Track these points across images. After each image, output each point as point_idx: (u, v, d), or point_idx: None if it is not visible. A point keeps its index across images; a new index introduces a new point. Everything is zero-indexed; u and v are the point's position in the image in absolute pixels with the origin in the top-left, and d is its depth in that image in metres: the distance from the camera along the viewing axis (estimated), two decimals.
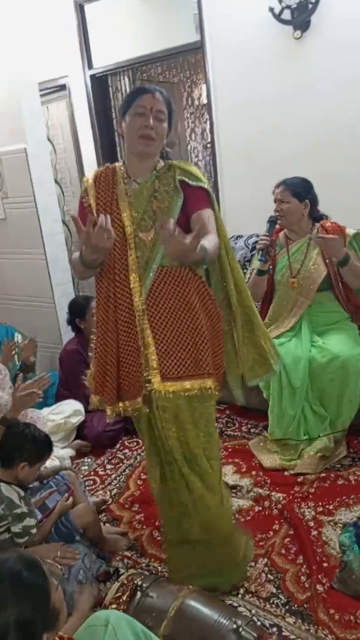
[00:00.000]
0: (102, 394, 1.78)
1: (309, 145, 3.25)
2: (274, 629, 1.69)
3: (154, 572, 1.95)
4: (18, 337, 3.31)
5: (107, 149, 4.31)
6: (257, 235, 3.45)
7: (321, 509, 2.22)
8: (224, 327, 1.84)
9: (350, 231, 2.66)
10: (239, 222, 3.70)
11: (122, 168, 1.79)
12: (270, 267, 2.74)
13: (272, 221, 2.68)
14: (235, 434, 2.90)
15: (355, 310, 2.75)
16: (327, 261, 2.62)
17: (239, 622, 1.44)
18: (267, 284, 2.77)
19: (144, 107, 1.66)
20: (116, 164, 1.83)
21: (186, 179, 1.72)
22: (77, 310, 3.21)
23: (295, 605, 1.79)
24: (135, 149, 1.72)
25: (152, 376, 1.69)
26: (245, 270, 3.45)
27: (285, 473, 2.51)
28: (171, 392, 1.69)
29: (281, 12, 3.06)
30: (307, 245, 2.67)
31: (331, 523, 2.13)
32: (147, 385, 1.70)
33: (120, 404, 1.75)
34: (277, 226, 2.73)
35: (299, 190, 2.63)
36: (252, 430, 2.91)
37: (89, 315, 3.12)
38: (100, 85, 4.22)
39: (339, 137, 3.15)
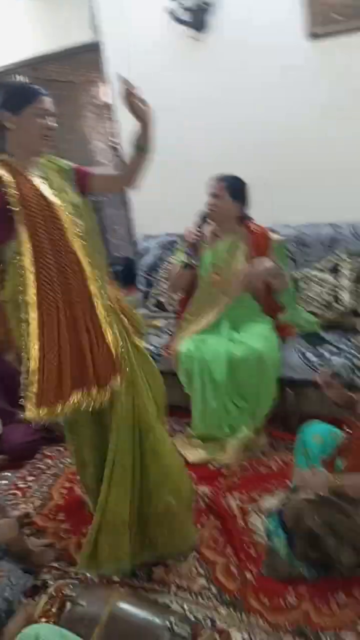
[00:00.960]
0: (56, 396, 1.69)
1: (217, 146, 3.31)
2: (208, 622, 1.69)
3: (82, 579, 1.90)
4: None
5: None
6: (171, 235, 3.48)
7: (246, 497, 2.27)
8: None
9: (272, 236, 2.74)
10: (149, 222, 3.71)
11: (15, 161, 1.75)
12: (196, 262, 2.75)
13: (203, 216, 2.69)
14: None
15: (270, 306, 2.83)
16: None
17: (172, 619, 1.43)
18: (191, 279, 2.78)
19: (45, 110, 1.74)
20: (4, 158, 1.76)
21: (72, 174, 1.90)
22: None
23: (227, 596, 1.81)
24: (35, 147, 1.77)
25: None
26: (157, 270, 3.47)
27: (210, 466, 2.54)
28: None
29: (178, 12, 3.09)
30: (231, 244, 2.71)
31: (256, 511, 2.18)
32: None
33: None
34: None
35: (236, 188, 2.66)
36: (175, 426, 2.91)
37: None
38: None
39: (247, 136, 3.24)
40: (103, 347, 1.73)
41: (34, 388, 1.65)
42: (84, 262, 1.73)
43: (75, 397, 1.69)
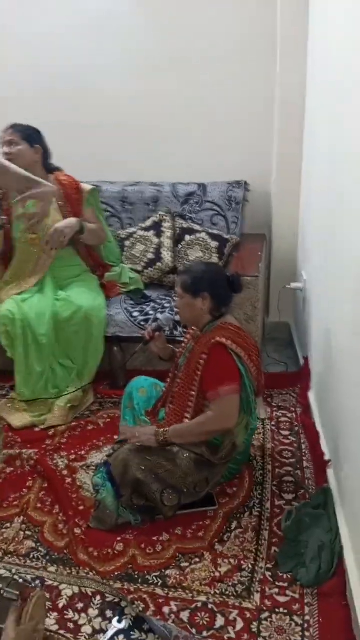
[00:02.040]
0: None
1: (34, 90, 3.13)
2: (37, 582, 1.68)
3: None
4: None
5: None
6: None
7: (74, 456, 2.27)
8: None
9: (86, 187, 2.68)
10: None
11: None
12: (6, 222, 2.59)
13: None
14: None
15: (95, 264, 2.81)
16: (65, 217, 2.59)
17: (0, 586, 1.38)
18: (5, 240, 2.61)
19: None
20: None
21: None
22: None
23: (56, 554, 1.80)
24: None
25: None
26: None
27: (36, 429, 2.49)
28: None
29: None
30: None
31: (84, 467, 2.20)
32: None
33: None
34: None
35: (30, 134, 2.53)
36: None
37: None
38: None
39: (66, 85, 3.11)
40: None
41: None
42: None
43: None
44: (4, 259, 2.74)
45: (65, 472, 2.16)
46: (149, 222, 3.02)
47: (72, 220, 2.55)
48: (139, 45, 3.03)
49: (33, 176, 2.19)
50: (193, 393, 1.94)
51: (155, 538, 1.84)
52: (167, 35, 2.99)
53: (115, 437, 2.33)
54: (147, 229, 3.01)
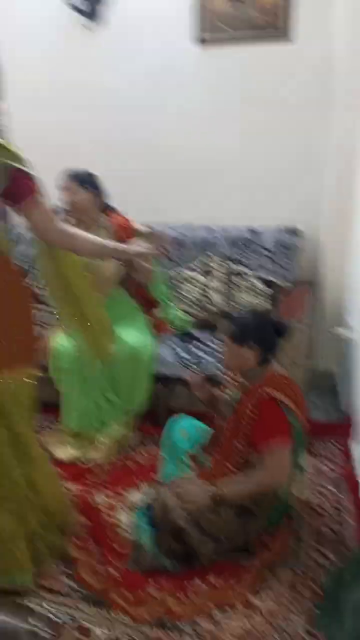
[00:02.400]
0: None
1: (97, 138, 3.28)
2: (70, 621, 1.70)
3: None
4: None
5: None
6: None
7: (114, 494, 2.29)
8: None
9: (138, 227, 2.76)
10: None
11: None
12: None
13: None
14: None
15: (144, 302, 2.87)
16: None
17: (32, 621, 1.42)
18: None
19: None
20: None
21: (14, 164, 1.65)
22: None
23: (90, 593, 1.82)
24: None
25: None
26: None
27: (79, 464, 2.53)
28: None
29: (75, 2, 3.03)
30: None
31: (124, 506, 2.21)
32: None
33: None
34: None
35: (84, 179, 2.64)
36: (45, 423, 2.86)
37: None
38: None
39: (128, 134, 3.25)
40: None
41: None
42: None
43: None
44: None
45: (104, 510, 2.19)
46: (199, 264, 3.08)
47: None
48: (194, 93, 3.14)
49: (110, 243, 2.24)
50: (240, 446, 1.94)
51: (190, 586, 1.82)
52: (221, 84, 3.09)
53: (155, 476, 2.35)
54: (197, 270, 3.07)
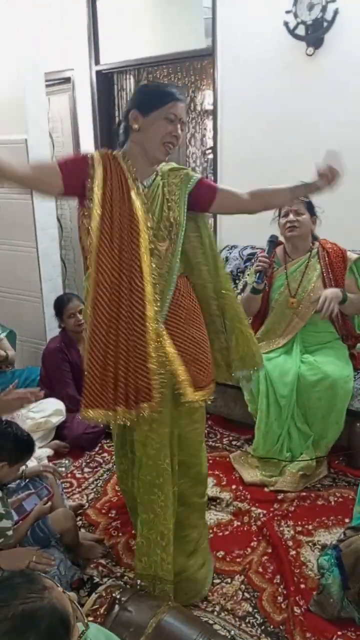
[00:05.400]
0: (99, 402, 1.65)
1: (312, 161, 3.24)
2: None
3: (129, 583, 1.91)
4: None
5: (107, 147, 4.25)
6: (252, 247, 3.45)
7: (300, 528, 2.21)
8: (212, 320, 1.88)
9: (352, 255, 2.66)
10: (235, 232, 3.68)
11: (128, 163, 1.69)
12: (266, 285, 2.72)
13: (271, 241, 2.65)
14: (217, 445, 2.87)
15: (347, 334, 2.75)
16: (326, 284, 2.61)
17: None
18: (262, 301, 2.74)
19: (176, 115, 1.64)
20: (115, 153, 1.73)
21: (192, 187, 1.75)
22: (57, 308, 3.15)
23: (271, 627, 1.76)
24: (153, 153, 1.68)
25: (183, 388, 1.70)
26: (237, 282, 3.44)
27: (265, 489, 2.49)
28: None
29: (296, 27, 3.05)
30: (305, 264, 2.66)
31: (310, 544, 2.12)
32: (180, 396, 1.70)
33: (120, 410, 1.64)
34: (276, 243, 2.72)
35: (311, 203, 2.63)
36: (234, 442, 2.88)
37: (66, 315, 3.07)
38: (105, 81, 4.18)
39: (345, 157, 3.15)
40: (142, 369, 1.63)
41: (85, 389, 1.65)
42: (147, 280, 1.62)
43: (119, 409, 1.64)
44: (258, 318, 2.85)
45: (290, 543, 2.11)
46: None
47: (336, 290, 2.54)
48: None
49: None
50: None
51: None
52: None
53: (347, 520, 2.21)
54: None
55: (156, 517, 1.71)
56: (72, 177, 1.64)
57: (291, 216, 2.60)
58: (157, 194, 1.71)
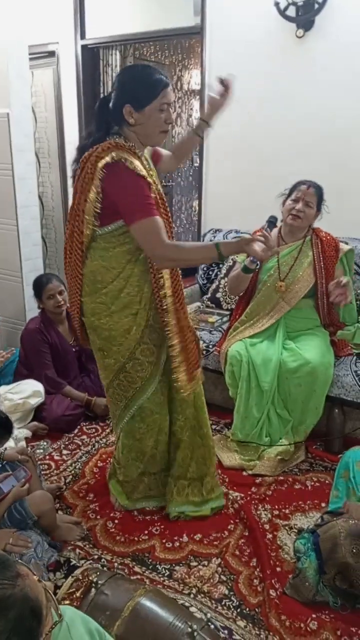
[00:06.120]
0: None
1: (300, 145, 3.23)
2: (225, 632, 1.67)
3: (106, 566, 1.91)
4: None
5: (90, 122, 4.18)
6: (236, 231, 3.43)
7: (277, 512, 2.22)
8: None
9: (344, 247, 2.66)
10: (219, 215, 3.67)
11: (138, 153, 1.79)
12: (257, 266, 2.70)
13: (271, 222, 2.61)
14: None
15: (330, 322, 2.76)
16: (317, 272, 2.61)
17: (194, 627, 1.40)
18: (250, 282, 2.72)
19: (169, 102, 1.74)
20: (128, 145, 1.76)
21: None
22: (36, 289, 3.08)
23: (247, 609, 1.77)
24: (153, 141, 1.83)
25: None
26: (221, 265, 3.43)
27: (244, 473, 2.50)
28: None
29: (286, 8, 3.02)
30: (298, 250, 2.65)
31: (286, 527, 2.14)
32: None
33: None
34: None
35: (321, 197, 2.60)
36: (214, 426, 2.87)
37: (45, 296, 3.01)
38: (91, 56, 4.09)
39: (333, 139, 3.14)
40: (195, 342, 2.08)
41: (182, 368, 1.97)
42: None
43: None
44: (243, 299, 2.84)
45: (267, 527, 2.13)
46: None
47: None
48: None
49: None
50: None
51: (354, 630, 1.69)
52: None
53: (323, 504, 2.23)
54: None
55: None
56: (152, 205, 1.76)
57: (300, 205, 2.57)
58: (154, 173, 1.90)
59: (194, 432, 2.16)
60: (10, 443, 2.44)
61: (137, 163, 1.72)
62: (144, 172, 1.73)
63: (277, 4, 3.02)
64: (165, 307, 1.90)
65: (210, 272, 3.52)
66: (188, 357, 1.99)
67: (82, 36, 3.97)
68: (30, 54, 3.39)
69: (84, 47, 3.99)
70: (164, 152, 2.09)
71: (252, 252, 1.72)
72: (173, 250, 1.76)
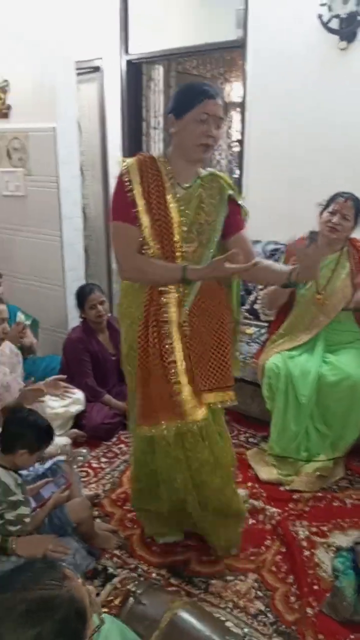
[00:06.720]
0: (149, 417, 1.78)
1: (341, 159, 3.19)
2: None
3: (143, 576, 1.92)
4: (21, 317, 3.24)
5: (133, 137, 4.25)
6: (276, 243, 3.42)
7: (315, 529, 2.19)
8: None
9: None
10: (259, 226, 3.62)
11: (167, 167, 1.74)
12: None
13: (312, 238, 2.60)
14: (233, 441, 2.85)
15: None
16: (355, 282, 2.58)
17: None
18: (289, 295, 2.71)
19: (207, 114, 1.63)
20: (155, 156, 1.77)
21: (234, 195, 1.79)
22: (79, 299, 3.16)
23: (284, 626, 1.76)
24: (190, 155, 1.71)
25: (181, 390, 1.74)
26: None
27: (281, 488, 2.48)
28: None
29: (329, 20, 3.00)
30: (336, 262, 2.62)
31: (324, 545, 2.11)
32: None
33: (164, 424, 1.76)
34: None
35: (358, 210, 2.57)
36: (251, 439, 2.87)
37: (87, 306, 3.08)
38: (134, 71, 4.15)
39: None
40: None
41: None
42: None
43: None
44: (282, 313, 2.82)
45: (304, 544, 2.11)
46: None
47: None
48: None
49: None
50: None
51: None
52: None
53: None
54: None
55: None
56: (129, 214, 1.68)
57: (337, 218, 2.53)
58: (194, 197, 1.75)
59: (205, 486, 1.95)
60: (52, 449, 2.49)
61: (137, 178, 1.68)
62: (133, 186, 1.68)
63: (320, 16, 3.01)
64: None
65: (249, 284, 3.51)
66: (151, 403, 1.76)
67: (126, 51, 4.05)
68: (76, 69, 3.47)
69: (128, 62, 4.06)
70: (244, 237, 1.86)
71: (223, 273, 1.60)
72: (135, 261, 1.70)
